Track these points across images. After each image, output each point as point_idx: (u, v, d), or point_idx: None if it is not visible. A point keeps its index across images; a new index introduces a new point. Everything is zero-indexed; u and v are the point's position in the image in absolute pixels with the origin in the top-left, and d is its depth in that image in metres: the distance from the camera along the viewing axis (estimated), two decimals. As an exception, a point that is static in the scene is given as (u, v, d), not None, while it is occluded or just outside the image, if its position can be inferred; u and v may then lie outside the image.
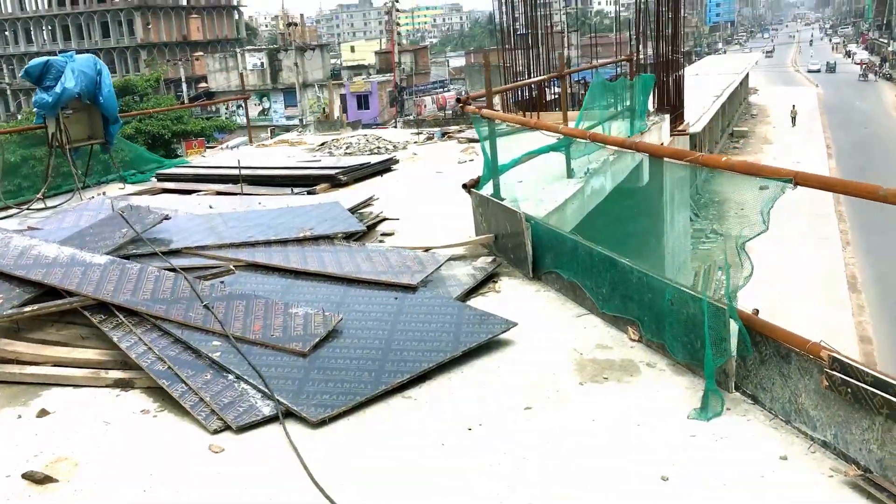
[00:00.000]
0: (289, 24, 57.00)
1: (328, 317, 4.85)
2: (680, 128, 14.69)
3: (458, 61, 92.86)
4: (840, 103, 69.65)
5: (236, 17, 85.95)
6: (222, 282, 5.49)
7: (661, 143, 13.25)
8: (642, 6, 14.41)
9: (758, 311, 14.73)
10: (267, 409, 4.13)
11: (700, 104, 39.09)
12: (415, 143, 13.08)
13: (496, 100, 15.77)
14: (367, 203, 8.20)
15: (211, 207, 8.00)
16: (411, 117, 56.77)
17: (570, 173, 9.22)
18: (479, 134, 7.06)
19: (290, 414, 4.13)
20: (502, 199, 6.63)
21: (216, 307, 4.93)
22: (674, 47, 14.84)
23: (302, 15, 66.87)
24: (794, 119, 56.78)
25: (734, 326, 3.86)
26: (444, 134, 13.37)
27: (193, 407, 4.17)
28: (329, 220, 6.64)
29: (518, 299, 5.59)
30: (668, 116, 13.68)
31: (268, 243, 6.15)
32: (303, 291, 5.41)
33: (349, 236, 6.71)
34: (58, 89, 10.01)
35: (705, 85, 48.61)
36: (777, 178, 3.52)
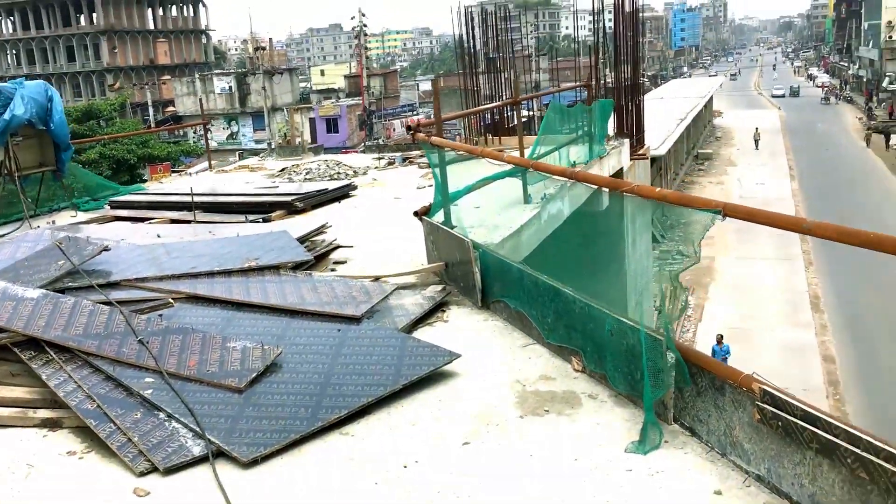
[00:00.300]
0: (256, 48, 56.96)
1: (267, 350, 4.74)
2: (640, 152, 14.78)
3: (427, 85, 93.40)
4: (802, 126, 70.92)
5: (204, 41, 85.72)
6: (160, 315, 5.36)
7: (621, 168, 13.33)
8: (603, 31, 14.55)
9: (721, 336, 14.83)
10: (197, 448, 4.00)
11: (665, 127, 39.60)
12: (375, 168, 13.03)
13: (461, 124, 15.77)
14: (320, 231, 8.10)
15: (159, 236, 7.86)
16: (380, 141, 56.85)
17: (526, 199, 9.22)
18: (430, 161, 7.02)
19: (221, 453, 4.00)
20: (453, 227, 6.57)
21: (151, 342, 4.80)
22: (634, 72, 14.97)
23: (271, 39, 66.88)
24: (756, 142, 57.70)
25: (672, 357, 3.82)
26: (405, 159, 13.34)
27: (121, 448, 4.03)
28: (276, 250, 6.54)
29: (465, 329, 5.52)
30: (627, 141, 13.76)
31: (211, 274, 6.03)
32: (244, 324, 5.30)
33: (299, 265, 6.61)
34: (6, 116, 9.82)
35: (670, 108, 49.28)
36: (707, 210, 3.50)
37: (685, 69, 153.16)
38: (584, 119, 11.93)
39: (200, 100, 26.55)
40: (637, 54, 15.09)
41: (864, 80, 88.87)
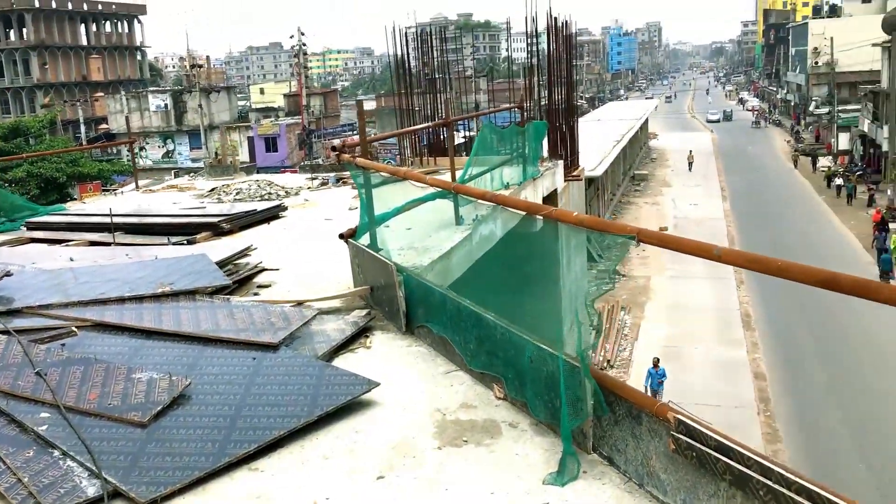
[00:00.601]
0: (193, 66, 56.06)
1: (175, 381, 4.51)
2: (574, 173, 14.89)
3: (369, 104, 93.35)
4: (734, 148, 72.99)
5: (140, 57, 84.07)
6: (62, 345, 5.07)
7: (555, 189, 13.39)
8: (536, 54, 14.65)
9: (658, 359, 14.90)
10: (92, 489, 3.75)
11: (601, 149, 40.25)
12: (308, 188, 12.82)
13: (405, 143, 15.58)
14: (244, 253, 7.86)
15: (71, 260, 7.52)
16: (320, 160, 56.42)
17: (458, 220, 9.13)
18: (356, 183, 6.88)
19: (119, 494, 3.76)
20: (378, 250, 6.43)
21: (50, 374, 4.52)
22: (569, 94, 15.10)
23: (208, 56, 65.92)
24: (690, 164, 59.03)
25: (590, 385, 3.74)
26: (339, 179, 13.16)
27: (9, 489, 3.75)
28: (193, 274, 6.29)
29: (388, 355, 5.37)
30: (561, 162, 13.84)
31: (121, 300, 5.75)
32: (153, 353, 5.04)
33: (218, 290, 6.37)
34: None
35: (606, 130, 50.15)
36: (622, 235, 3.44)
37: (622, 92, 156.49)
38: (518, 141, 11.96)
39: (127, 118, 25.87)
40: (571, 77, 15.24)
41: (792, 104, 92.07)
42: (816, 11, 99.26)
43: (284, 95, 76.46)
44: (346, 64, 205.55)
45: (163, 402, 4.32)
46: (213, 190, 12.85)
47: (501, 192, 10.78)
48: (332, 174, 13.43)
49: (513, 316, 4.30)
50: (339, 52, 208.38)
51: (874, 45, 54.93)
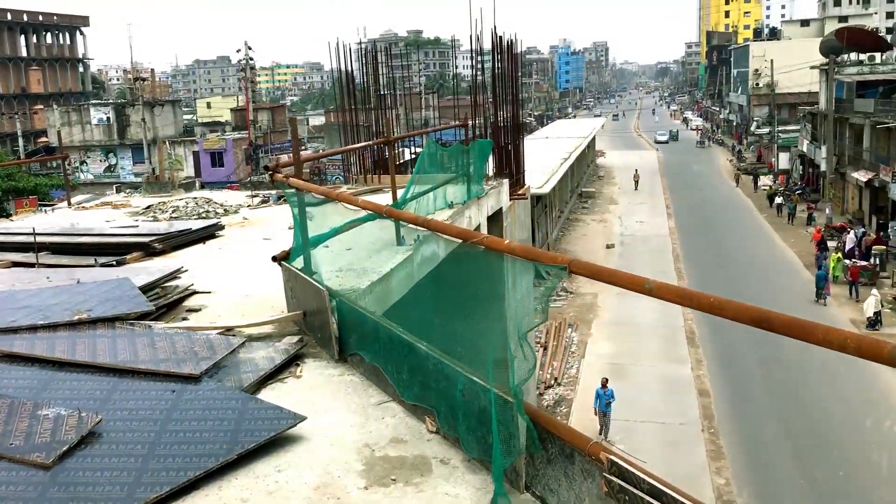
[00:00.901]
0: (136, 79, 54.89)
1: (84, 418, 4.21)
2: (520, 191, 14.83)
3: (318, 119, 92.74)
4: (679, 166, 74.36)
5: (81, 69, 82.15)
6: (-37, 378, 4.73)
7: (500, 208, 13.30)
8: (482, 72, 14.59)
9: (606, 380, 14.82)
10: (-16, 541, 3.44)
11: (549, 166, 40.57)
12: (248, 206, 12.50)
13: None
14: (173, 275, 7.54)
15: (-13, 283, 7.11)
16: (265, 177, 55.67)
17: (399, 241, 8.94)
18: (290, 203, 6.64)
19: (14, 545, 3.46)
20: (312, 273, 6.19)
21: (-54, 411, 4.19)
22: (515, 112, 15.07)
23: (153, 69, 64.72)
24: (636, 182, 59.83)
25: (523, 422, 3.57)
26: (280, 197, 12.86)
27: None
28: (113, 300, 5.97)
29: (318, 385, 5.14)
30: (507, 181, 13.76)
31: (33, 329, 5.41)
32: (64, 387, 4.72)
33: (143, 316, 6.06)
34: None
35: (554, 147, 50.60)
36: (554, 265, 3.30)
37: (570, 110, 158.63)
38: (462, 159, 11.84)
39: (59, 132, 25.08)
40: (517, 95, 15.21)
41: (734, 124, 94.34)
42: (757, 34, 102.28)
43: (231, 110, 75.41)
44: (295, 79, 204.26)
45: (69, 442, 4.02)
46: (148, 207, 12.44)
47: (445, 212, 10.65)
48: (274, 192, 13.13)
49: (448, 345, 4.11)
50: (288, 66, 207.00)
51: (812, 67, 56.64)
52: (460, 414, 3.96)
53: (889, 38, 52.41)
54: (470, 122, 13.13)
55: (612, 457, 3.04)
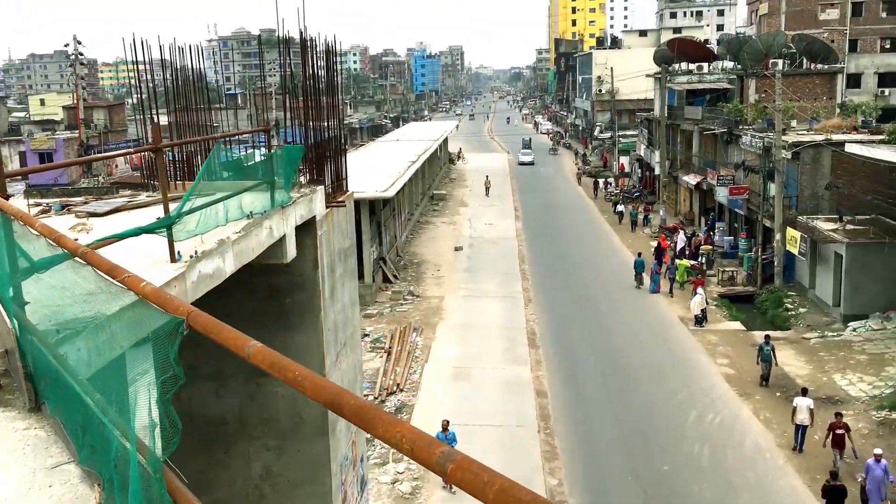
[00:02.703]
0: (-55, 72, 50.02)
1: None
2: (341, 199, 14.20)
3: (166, 119, 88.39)
4: (528, 169, 76.29)
5: None
6: None
7: (314, 216, 12.65)
8: (292, 75, 13.86)
9: (448, 422, 14.23)
10: None
11: (397, 169, 40.27)
12: (23, 217, 11.17)
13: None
14: None
15: None
16: (100, 178, 52.28)
17: (176, 256, 8.10)
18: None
19: None
20: (24, 304, 5.30)
21: None
22: (334, 116, 14.44)
23: (-29, 63, 59.26)
24: (487, 189, 60.19)
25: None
26: (64, 206, 11.62)
27: None
28: None
29: (-4, 441, 4.31)
30: (321, 188, 13.11)
31: None
32: None
33: None
34: None
35: (404, 150, 50.50)
36: (173, 317, 2.69)
37: (426, 112, 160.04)
38: (265, 166, 11.11)
39: None
40: (335, 97, 14.60)
41: (580, 128, 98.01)
42: (600, 43, 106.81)
43: (64, 108, 70.59)
44: (142, 75, 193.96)
45: None
46: None
47: (241, 222, 9.88)
48: (58, 200, 11.87)
49: (108, 400, 3.41)
50: (133, 62, 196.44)
51: (647, 75, 59.50)
52: (116, 486, 3.28)
53: (716, 48, 55.84)
54: (284, 126, 12.37)
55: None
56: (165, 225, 7.98)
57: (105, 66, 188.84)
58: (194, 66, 14.15)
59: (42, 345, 4.16)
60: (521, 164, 78.75)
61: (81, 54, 49.94)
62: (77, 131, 58.28)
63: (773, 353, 23.25)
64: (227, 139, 15.50)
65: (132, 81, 14.00)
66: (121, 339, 3.00)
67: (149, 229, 7.77)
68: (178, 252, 8.12)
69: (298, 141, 13.54)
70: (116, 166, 54.32)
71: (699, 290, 29.92)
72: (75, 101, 53.67)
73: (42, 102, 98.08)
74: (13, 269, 4.87)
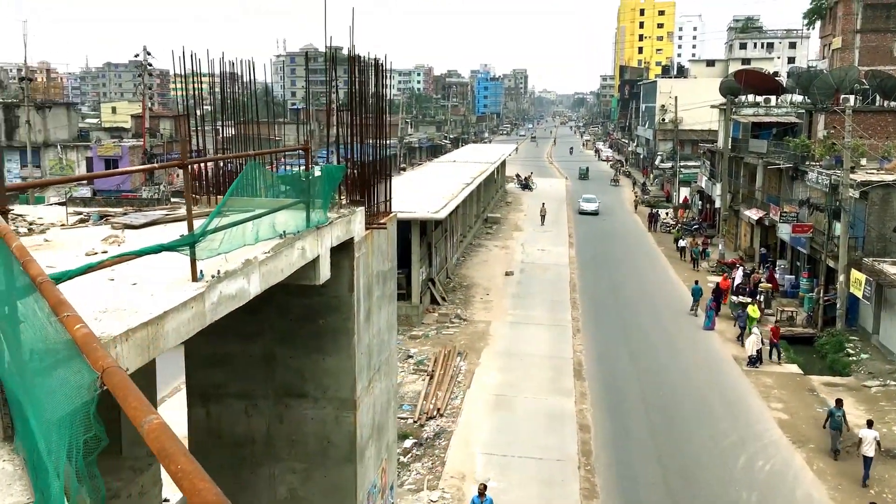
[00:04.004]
0: (21, 79, 51.79)
1: None
2: (382, 220, 13.95)
3: (231, 131, 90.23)
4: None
5: (-29, 66, 77.64)
6: None
7: (351, 238, 12.40)
8: (348, 93, 13.69)
9: (485, 486, 13.67)
10: None
11: (449, 190, 40.03)
12: (62, 225, 11.20)
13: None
14: None
15: None
16: (162, 186, 53.46)
17: (198, 275, 7.89)
18: None
19: None
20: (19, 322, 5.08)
21: None
22: (380, 135, 14.24)
23: (48, 70, 61.47)
24: (543, 217, 57.79)
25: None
26: (102, 216, 11.62)
27: None
28: None
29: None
30: (361, 209, 12.87)
31: None
32: None
33: None
34: None
35: (460, 171, 50.29)
36: (93, 373, 2.32)
37: (486, 134, 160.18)
38: (301, 184, 10.91)
39: None
40: (382, 117, 14.40)
41: (641, 157, 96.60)
42: (666, 71, 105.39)
43: (132, 116, 72.56)
44: (211, 88, 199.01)
45: None
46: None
47: (271, 242, 9.65)
48: (97, 209, 11.88)
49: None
50: (205, 74, 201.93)
51: (713, 106, 58.27)
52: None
53: (785, 81, 54.40)
54: (326, 146, 12.19)
55: None
56: (188, 243, 7.77)
57: (177, 77, 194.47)
58: (253, 79, 14.18)
59: (8, 371, 3.91)
60: (583, 213, 62.20)
61: (150, 65, 51.22)
62: (142, 139, 59.83)
63: (844, 418, 20.71)
64: (275, 156, 15.49)
65: (198, 94, 14.11)
66: (52, 383, 2.69)
67: (170, 247, 7.58)
68: (201, 271, 7.91)
69: (342, 160, 13.35)
70: (178, 176, 55.39)
71: (755, 329, 28.79)
72: (142, 110, 55.05)
73: (114, 110, 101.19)
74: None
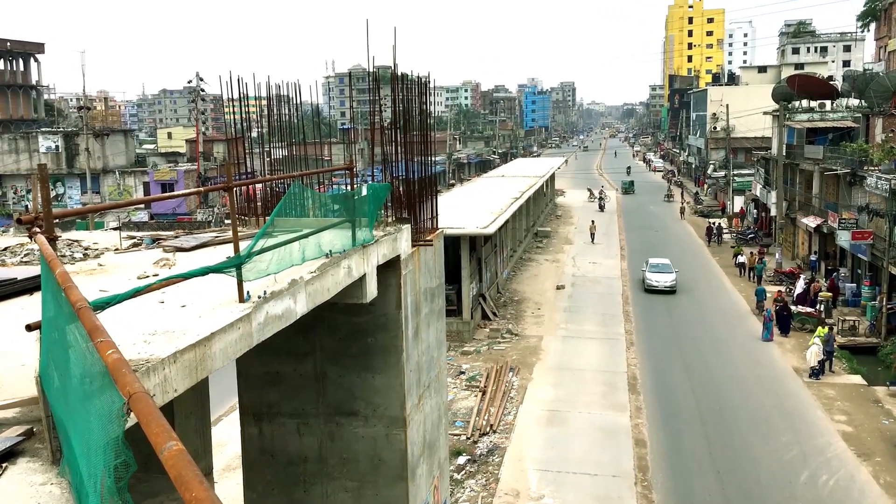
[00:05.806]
0: (80, 108, 53.55)
1: None
2: (429, 237, 13.95)
3: (282, 152, 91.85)
4: (637, 207, 74.31)
5: (34, 96, 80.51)
6: None
7: (398, 255, 12.43)
8: (393, 112, 13.80)
9: None
10: None
11: (498, 205, 39.93)
12: (115, 250, 11.46)
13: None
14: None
15: None
16: (215, 208, 54.52)
17: (245, 296, 7.97)
18: (42, 263, 5.62)
19: None
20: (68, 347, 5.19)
21: None
22: (426, 153, 14.27)
23: (106, 98, 63.47)
24: (593, 236, 55.45)
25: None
26: (154, 240, 11.86)
27: None
28: None
29: (7, 497, 4.10)
30: (407, 227, 12.90)
31: None
32: None
33: None
34: None
35: (508, 186, 50.15)
36: (121, 400, 2.33)
37: (535, 148, 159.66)
38: (347, 204, 10.98)
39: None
40: (428, 134, 14.43)
41: (693, 166, 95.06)
42: (716, 79, 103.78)
43: (186, 141, 74.32)
44: (263, 110, 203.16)
45: None
46: (5, 249, 11.35)
47: (318, 261, 9.72)
48: (149, 233, 12.13)
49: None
50: (255, 98, 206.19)
51: (765, 113, 57.11)
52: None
53: (840, 85, 53.04)
54: (353, 165, 12.27)
55: None
56: (233, 265, 7.86)
57: (230, 102, 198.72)
58: (303, 100, 14.40)
59: (56, 396, 3.98)
60: (650, 289, 40.72)
61: (203, 90, 52.46)
62: (196, 163, 61.21)
63: None
64: (324, 175, 15.67)
65: (251, 117, 14.44)
66: (90, 407, 2.73)
67: (216, 269, 7.66)
68: (248, 292, 7.99)
69: (388, 178, 13.42)
70: (231, 198, 56.44)
71: (816, 339, 27.96)
72: (196, 135, 56.35)
73: (169, 136, 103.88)
74: (46, 309, 4.77)
